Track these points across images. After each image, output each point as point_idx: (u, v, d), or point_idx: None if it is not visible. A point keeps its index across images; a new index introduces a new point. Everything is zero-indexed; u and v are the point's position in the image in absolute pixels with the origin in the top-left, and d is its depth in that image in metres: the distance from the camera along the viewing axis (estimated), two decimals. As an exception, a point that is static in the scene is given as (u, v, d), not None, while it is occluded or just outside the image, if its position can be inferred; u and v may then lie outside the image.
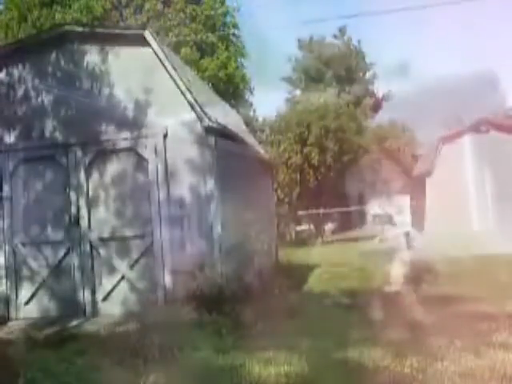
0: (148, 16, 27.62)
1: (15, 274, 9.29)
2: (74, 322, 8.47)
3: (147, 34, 9.06)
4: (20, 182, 9.38)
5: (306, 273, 12.77)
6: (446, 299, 8.16)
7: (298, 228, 27.75)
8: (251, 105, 33.48)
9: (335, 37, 44.17)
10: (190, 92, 8.91)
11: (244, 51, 30.55)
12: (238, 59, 30.10)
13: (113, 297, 9.02)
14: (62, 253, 9.19)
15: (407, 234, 16.01)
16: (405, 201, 27.33)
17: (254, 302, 7.67)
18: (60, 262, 9.20)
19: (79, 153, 9.21)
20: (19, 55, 9.59)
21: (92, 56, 9.39)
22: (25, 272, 9.31)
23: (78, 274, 9.09)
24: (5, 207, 9.31)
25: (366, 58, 43.73)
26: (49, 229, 9.31)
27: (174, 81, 8.92)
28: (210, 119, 8.81)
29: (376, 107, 39.73)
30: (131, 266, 8.99)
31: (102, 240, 9.11)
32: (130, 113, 9.16)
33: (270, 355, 5.93)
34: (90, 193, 9.18)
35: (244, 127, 16.58)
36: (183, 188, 8.89)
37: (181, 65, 11.90)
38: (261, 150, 16.26)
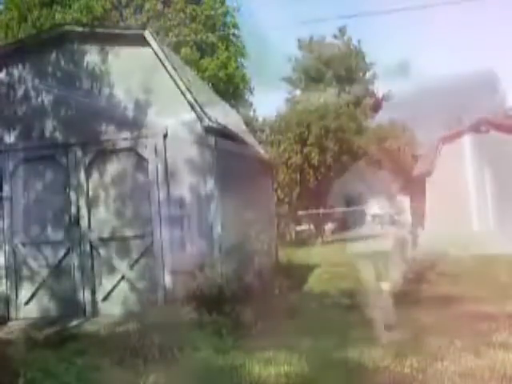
0: (148, 16, 27.62)
1: (15, 273, 9.29)
2: (74, 322, 8.47)
3: (147, 34, 9.06)
4: (20, 182, 9.38)
5: (306, 273, 12.76)
6: (446, 299, 8.17)
7: (298, 228, 27.76)
8: (251, 105, 33.54)
9: (335, 37, 44.17)
10: (190, 92, 8.91)
11: (244, 51, 30.57)
12: (238, 59, 30.12)
13: (113, 297, 9.02)
14: (61, 253, 9.19)
15: (411, 233, 15.97)
16: (405, 201, 27.34)
17: (254, 302, 7.67)
18: (60, 262, 9.20)
19: (79, 153, 9.21)
20: (19, 55, 9.59)
21: (92, 56, 9.39)
22: (25, 272, 9.31)
23: (78, 274, 9.09)
24: (5, 207, 9.31)
25: (366, 58, 43.73)
26: (49, 229, 9.31)
27: (174, 81, 8.92)
28: (209, 119, 8.82)
29: (376, 107, 39.73)
30: (131, 266, 8.99)
31: (102, 240, 9.11)
32: (130, 113, 9.16)
33: (269, 355, 5.93)
34: (90, 193, 9.18)
35: (244, 127, 16.57)
36: (183, 188, 8.90)
37: (181, 65, 11.90)
38: (261, 149, 16.25)
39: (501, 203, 18.02)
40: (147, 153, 8.98)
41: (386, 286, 7.47)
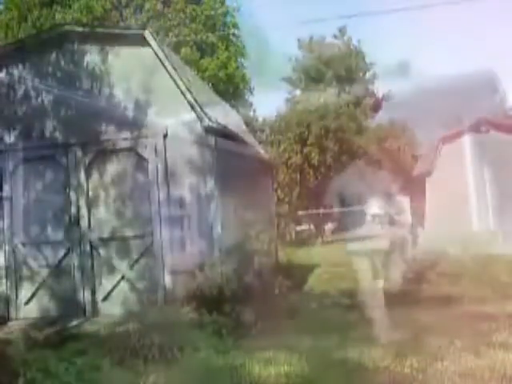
0: (148, 16, 27.63)
1: (15, 273, 9.29)
2: (74, 322, 8.47)
3: (147, 34, 9.06)
4: (20, 182, 9.38)
5: (306, 273, 12.76)
6: (445, 299, 8.16)
7: (298, 228, 27.72)
8: (251, 105, 33.50)
9: (335, 37, 44.13)
10: (190, 92, 8.91)
11: (244, 51, 30.57)
12: (238, 59, 30.12)
13: (113, 297, 9.02)
14: (61, 253, 9.19)
15: (411, 233, 15.95)
16: (405, 201, 27.31)
17: (254, 302, 7.66)
18: (60, 262, 9.20)
19: (79, 153, 9.21)
20: (19, 55, 9.59)
21: (92, 56, 9.40)
22: (25, 272, 9.31)
23: (78, 274, 9.08)
24: (5, 207, 9.31)
25: (366, 58, 43.68)
26: (49, 229, 9.31)
27: (174, 81, 8.92)
28: (210, 119, 8.82)
29: (376, 107, 39.69)
30: (131, 266, 9.00)
31: (102, 240, 9.12)
32: (130, 113, 9.16)
33: (269, 355, 5.93)
34: (90, 193, 9.19)
35: (244, 127, 16.57)
36: (183, 188, 8.90)
37: (181, 65, 11.90)
38: (261, 149, 16.25)
39: (501, 203, 18.00)
40: (147, 153, 8.98)
41: (380, 284, 7.48)
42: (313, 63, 43.83)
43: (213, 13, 28.71)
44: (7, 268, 9.28)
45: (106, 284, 9.04)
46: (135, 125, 9.07)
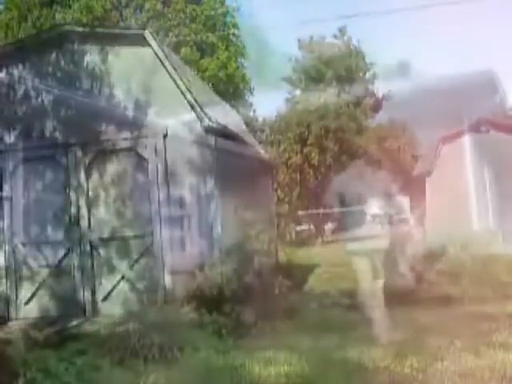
0: (148, 16, 27.61)
1: (15, 273, 9.29)
2: (74, 322, 8.47)
3: (147, 34, 9.06)
4: (20, 182, 9.38)
5: (306, 273, 12.76)
6: (445, 299, 8.17)
7: (298, 228, 27.71)
8: (251, 105, 33.48)
9: (335, 37, 44.11)
10: (190, 92, 8.91)
11: (244, 51, 30.56)
12: (238, 59, 30.11)
13: (113, 297, 9.02)
14: (61, 253, 9.19)
15: (411, 233, 15.95)
16: (405, 201, 27.29)
17: (254, 302, 7.67)
18: (60, 262, 9.20)
19: (79, 153, 9.20)
20: (19, 55, 9.59)
21: (92, 56, 9.40)
22: (25, 272, 9.31)
23: (78, 274, 9.08)
24: (5, 207, 9.31)
25: (366, 58, 43.67)
26: (49, 229, 9.31)
27: (174, 81, 8.92)
28: (209, 119, 8.82)
29: (376, 107, 39.67)
30: (131, 266, 9.00)
31: (102, 240, 9.11)
32: (130, 113, 9.16)
33: (269, 355, 5.94)
34: (90, 193, 9.18)
35: (244, 127, 16.57)
36: (183, 188, 8.90)
37: (181, 65, 11.90)
38: (261, 149, 16.25)
39: (501, 203, 17.99)
40: (147, 153, 8.98)
41: (380, 283, 7.48)
42: (313, 63, 43.81)
43: (213, 13, 28.70)
44: (7, 268, 9.27)
45: (105, 284, 9.04)
46: (135, 125, 9.07)
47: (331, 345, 6.25)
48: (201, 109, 8.84)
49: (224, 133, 9.46)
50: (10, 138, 9.50)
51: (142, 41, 9.05)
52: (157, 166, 8.92)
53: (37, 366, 5.79)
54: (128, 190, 9.14)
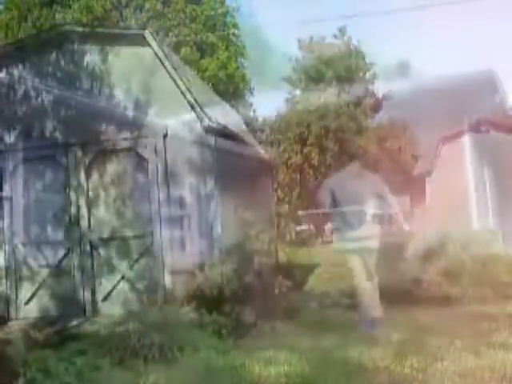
0: (148, 16, 27.61)
1: (15, 273, 9.29)
2: (74, 322, 8.47)
3: (147, 34, 9.06)
4: (20, 182, 9.38)
5: (306, 273, 12.76)
6: (445, 299, 8.17)
7: (298, 228, 27.71)
8: (251, 105, 33.49)
9: (335, 37, 44.10)
10: (190, 92, 8.91)
11: (244, 51, 30.56)
12: (238, 59, 30.11)
13: (113, 297, 9.02)
14: (61, 253, 9.19)
15: (411, 233, 15.91)
16: (404, 200, 27.29)
17: (254, 302, 7.67)
18: (60, 262, 9.20)
19: (79, 153, 9.20)
20: (19, 55, 9.59)
21: (92, 56, 9.40)
22: (25, 272, 9.30)
23: (78, 274, 9.09)
24: (5, 207, 9.31)
25: (366, 58, 43.67)
26: (49, 229, 9.31)
27: (174, 81, 8.92)
28: (209, 119, 8.82)
29: (376, 107, 39.66)
30: (131, 266, 9.00)
31: (102, 240, 9.12)
32: (130, 113, 9.16)
33: (269, 355, 5.93)
34: (90, 193, 9.19)
35: (244, 127, 16.57)
36: (183, 188, 8.90)
37: (181, 65, 11.90)
38: (261, 149, 16.25)
39: (501, 203, 17.99)
40: (147, 153, 8.98)
41: (374, 283, 7.48)
42: (313, 63, 43.80)
43: (213, 13, 28.70)
44: (7, 268, 9.27)
45: (105, 284, 9.04)
46: (135, 125, 9.07)
47: (331, 345, 6.25)
48: (201, 109, 8.84)
49: (224, 133, 9.46)
50: (10, 138, 9.50)
51: (141, 41, 9.05)
52: (157, 166, 8.92)
53: (37, 366, 5.78)
54: (128, 190, 9.15)
